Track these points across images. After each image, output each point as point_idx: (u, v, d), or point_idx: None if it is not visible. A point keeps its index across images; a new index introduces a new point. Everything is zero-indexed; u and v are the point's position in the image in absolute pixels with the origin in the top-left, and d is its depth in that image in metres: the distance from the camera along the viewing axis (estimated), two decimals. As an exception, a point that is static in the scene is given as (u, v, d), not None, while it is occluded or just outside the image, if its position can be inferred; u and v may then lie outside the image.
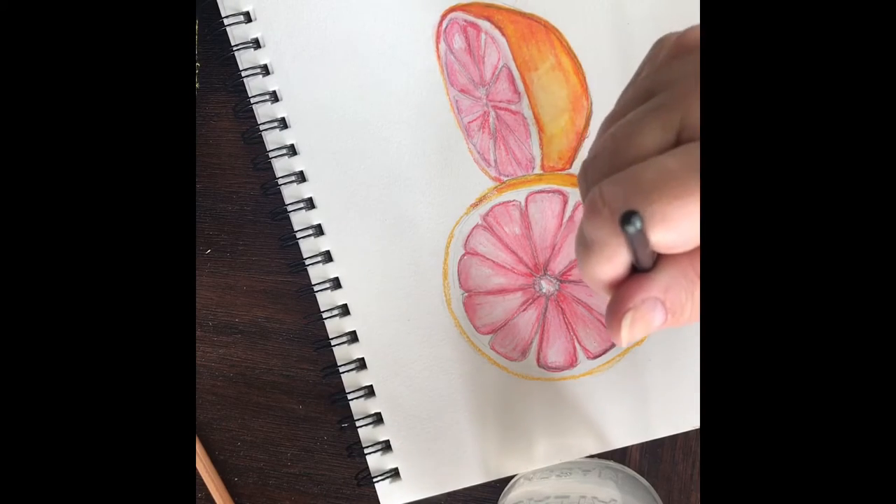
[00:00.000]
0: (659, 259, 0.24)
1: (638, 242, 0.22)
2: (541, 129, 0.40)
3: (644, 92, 0.26)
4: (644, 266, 0.23)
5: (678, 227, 0.22)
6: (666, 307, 0.24)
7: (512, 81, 0.40)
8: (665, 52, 0.27)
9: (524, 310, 0.40)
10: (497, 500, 0.40)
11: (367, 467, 0.42)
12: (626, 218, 0.20)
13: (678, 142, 0.23)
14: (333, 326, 0.42)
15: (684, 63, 0.25)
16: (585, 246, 0.24)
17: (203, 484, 0.44)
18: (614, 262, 0.23)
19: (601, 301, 0.39)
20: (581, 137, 0.40)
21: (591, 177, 0.24)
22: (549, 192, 0.40)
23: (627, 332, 0.24)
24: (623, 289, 0.24)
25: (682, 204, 0.21)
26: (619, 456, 0.40)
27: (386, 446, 0.42)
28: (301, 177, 0.42)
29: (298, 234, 0.42)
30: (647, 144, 0.23)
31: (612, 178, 0.23)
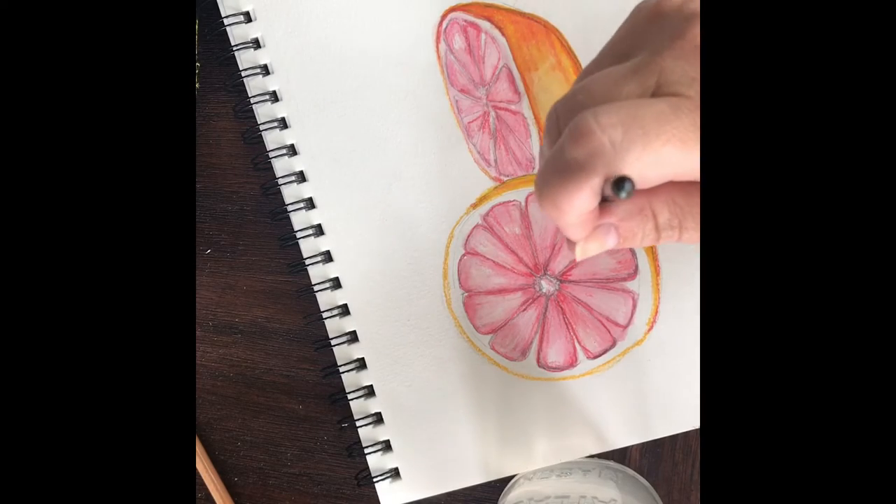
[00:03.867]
0: None
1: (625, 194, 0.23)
2: (541, 129, 0.40)
3: (620, 54, 0.27)
4: (611, 199, 0.25)
5: (661, 165, 0.24)
6: (619, 233, 0.27)
7: (512, 81, 0.40)
8: (643, 16, 0.27)
9: (524, 310, 0.40)
10: (497, 500, 0.40)
11: (368, 467, 0.42)
12: (620, 184, 0.21)
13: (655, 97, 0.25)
14: (333, 326, 0.42)
15: (660, 27, 0.26)
16: (561, 170, 0.25)
17: (203, 484, 0.44)
18: (595, 190, 0.24)
19: (601, 301, 0.39)
20: (581, 137, 0.39)
21: (569, 110, 0.25)
22: (549, 192, 0.40)
23: (581, 249, 0.27)
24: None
25: (673, 147, 0.23)
26: (619, 456, 0.40)
27: (386, 446, 0.42)
28: (301, 177, 0.42)
29: (298, 234, 0.42)
30: (625, 96, 0.25)
31: (609, 107, 0.24)
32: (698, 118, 0.23)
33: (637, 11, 0.28)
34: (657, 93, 0.25)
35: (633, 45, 0.27)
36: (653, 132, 0.23)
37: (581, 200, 0.24)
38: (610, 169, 0.24)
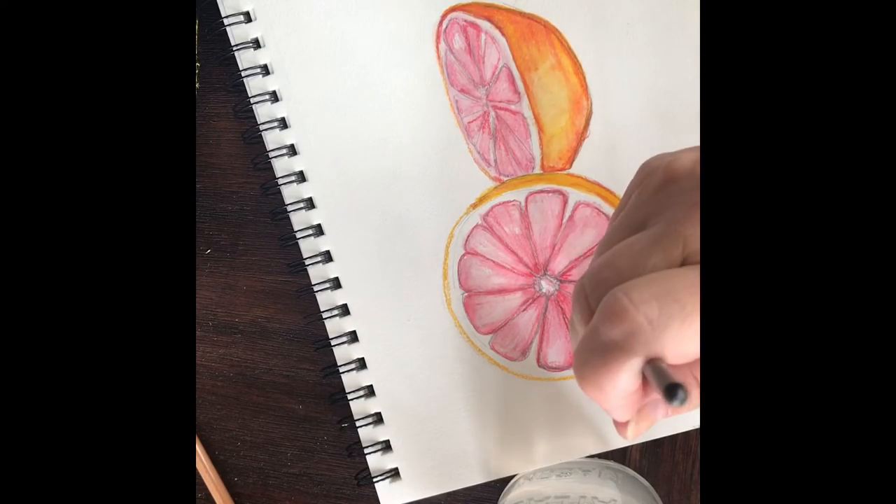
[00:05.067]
0: None
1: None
2: (541, 129, 0.40)
3: (638, 222, 0.26)
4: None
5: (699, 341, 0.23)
6: (667, 405, 0.25)
7: (512, 81, 0.40)
8: (655, 181, 0.27)
9: (524, 310, 0.40)
10: (497, 501, 0.40)
11: (367, 467, 0.42)
12: (672, 391, 0.21)
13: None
14: (333, 326, 0.42)
15: (674, 192, 0.26)
16: (600, 352, 0.24)
17: (203, 484, 0.43)
18: (635, 370, 0.23)
19: (601, 301, 0.39)
20: (581, 137, 0.40)
21: (596, 286, 0.25)
22: (549, 192, 0.40)
23: (634, 431, 0.26)
24: None
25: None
26: (619, 456, 0.40)
27: (386, 446, 0.42)
28: (301, 177, 0.42)
29: (298, 234, 0.42)
30: (651, 268, 0.24)
31: (640, 281, 0.23)
32: None
33: (647, 175, 0.27)
34: (685, 263, 0.24)
35: (649, 212, 0.26)
36: (689, 305, 0.22)
37: (623, 382, 0.23)
38: (650, 348, 0.23)
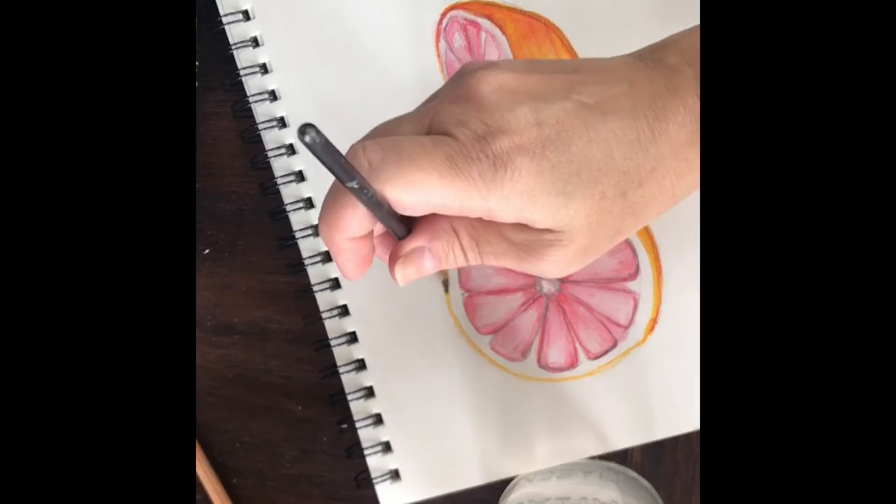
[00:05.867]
0: (421, 220, 0.29)
1: (342, 173, 0.25)
2: (541, 129, 0.39)
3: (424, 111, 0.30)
4: (394, 229, 0.29)
5: (415, 190, 0.26)
6: (432, 254, 0.29)
7: (512, 80, 0.39)
8: (452, 77, 0.30)
9: (525, 310, 0.40)
10: (497, 502, 0.40)
11: (367, 468, 0.42)
12: (302, 129, 0.23)
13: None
14: (333, 327, 0.42)
15: (450, 83, 0.29)
16: (333, 193, 0.28)
17: (202, 486, 0.43)
18: (360, 212, 0.27)
19: (602, 301, 0.39)
20: (582, 136, 0.39)
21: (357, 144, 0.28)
22: (549, 191, 0.40)
23: (401, 274, 0.30)
24: (398, 243, 0.30)
25: (426, 175, 0.26)
26: (620, 457, 0.40)
27: (386, 447, 0.42)
28: (300, 176, 0.41)
29: (298, 234, 0.41)
30: (401, 133, 0.28)
31: (376, 140, 0.27)
32: (456, 154, 0.26)
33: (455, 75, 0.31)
34: (430, 132, 0.28)
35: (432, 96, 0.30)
36: (407, 157, 0.26)
37: (346, 220, 0.27)
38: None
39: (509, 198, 0.27)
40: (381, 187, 0.26)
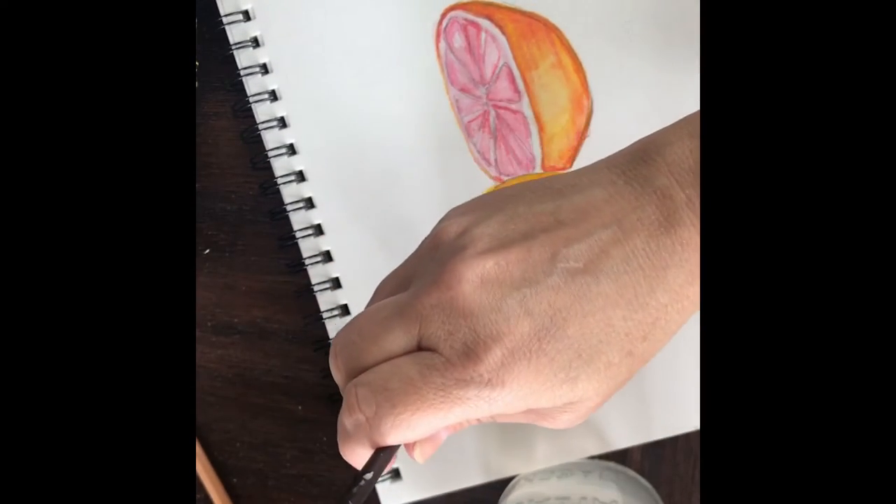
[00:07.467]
0: None
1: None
2: (541, 129, 0.39)
3: (403, 278, 0.30)
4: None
5: (416, 429, 0.26)
6: (447, 430, 0.29)
7: (512, 80, 0.39)
8: (426, 242, 0.30)
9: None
10: (497, 501, 0.40)
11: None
12: (356, 478, 0.27)
13: (419, 346, 0.27)
14: (333, 327, 0.42)
15: (434, 258, 0.28)
16: (342, 434, 0.29)
17: (202, 485, 0.43)
18: (367, 449, 0.28)
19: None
20: (582, 136, 0.39)
21: (344, 367, 0.28)
22: (549, 191, 0.40)
23: (421, 457, 0.29)
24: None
25: (422, 414, 0.26)
26: (620, 457, 0.40)
27: (386, 447, 0.42)
28: (300, 176, 0.41)
29: (298, 234, 0.41)
30: (392, 348, 0.27)
31: (365, 382, 0.27)
32: (448, 382, 0.26)
33: (429, 235, 0.30)
34: (419, 342, 0.27)
35: (413, 272, 0.29)
36: (400, 405, 0.26)
37: (362, 458, 0.28)
38: (373, 440, 0.27)
39: (511, 402, 0.26)
40: (383, 440, 0.27)
